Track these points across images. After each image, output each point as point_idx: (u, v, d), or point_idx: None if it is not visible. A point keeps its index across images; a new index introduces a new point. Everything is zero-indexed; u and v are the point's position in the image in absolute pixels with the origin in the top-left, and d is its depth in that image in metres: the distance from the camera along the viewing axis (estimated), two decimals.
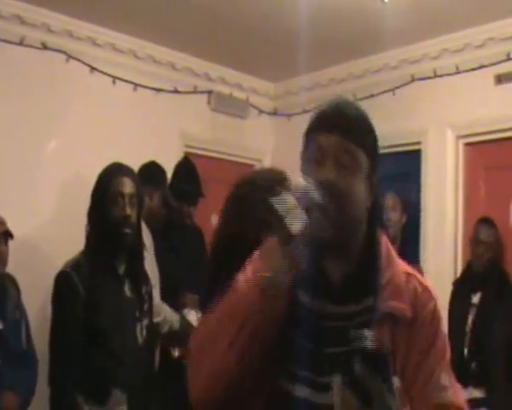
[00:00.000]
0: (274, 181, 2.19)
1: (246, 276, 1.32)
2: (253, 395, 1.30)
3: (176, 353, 3.51)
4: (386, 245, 1.43)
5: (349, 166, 1.33)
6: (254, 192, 2.13)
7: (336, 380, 1.10)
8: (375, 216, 1.44)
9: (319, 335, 1.24)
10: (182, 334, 3.47)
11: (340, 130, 1.34)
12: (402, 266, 1.41)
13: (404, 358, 1.29)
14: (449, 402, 1.26)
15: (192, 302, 3.66)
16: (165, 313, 3.43)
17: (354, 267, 1.37)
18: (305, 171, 1.38)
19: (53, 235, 4.19)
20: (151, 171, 3.88)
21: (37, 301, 3.82)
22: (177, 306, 3.58)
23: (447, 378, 1.28)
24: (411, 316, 1.31)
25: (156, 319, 3.24)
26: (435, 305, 1.35)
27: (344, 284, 1.36)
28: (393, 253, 1.43)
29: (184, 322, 3.54)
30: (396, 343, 1.29)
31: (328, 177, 1.31)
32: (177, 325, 3.51)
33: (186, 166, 4.25)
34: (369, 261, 1.37)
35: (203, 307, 2.42)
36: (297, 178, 1.31)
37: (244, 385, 1.27)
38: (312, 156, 1.37)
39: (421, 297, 1.34)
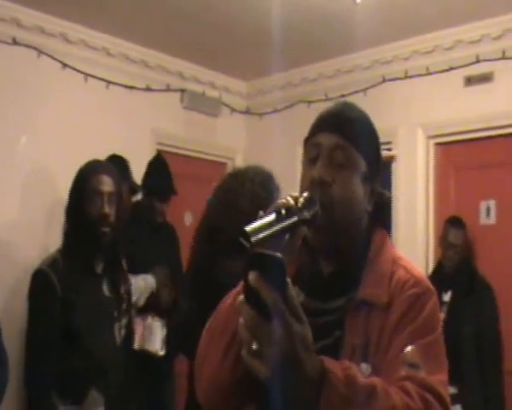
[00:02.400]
0: (264, 176, 2.24)
1: (237, 288, 1.32)
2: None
3: (161, 352, 3.51)
4: (382, 239, 1.42)
5: (343, 164, 1.34)
6: (244, 184, 2.17)
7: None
8: (376, 220, 1.44)
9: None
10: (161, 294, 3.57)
11: (337, 129, 1.36)
12: (392, 255, 1.40)
13: (377, 343, 1.26)
14: (416, 379, 1.17)
15: (159, 275, 3.67)
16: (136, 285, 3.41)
17: (344, 265, 1.38)
18: (303, 174, 1.39)
19: (19, 231, 4.14)
20: (114, 164, 3.74)
21: (1, 300, 3.82)
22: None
23: (421, 359, 1.21)
24: (387, 301, 1.29)
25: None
26: (421, 292, 1.31)
27: (330, 280, 1.38)
28: (387, 244, 1.42)
29: (159, 279, 3.59)
30: (370, 330, 1.28)
31: (318, 173, 1.32)
32: (153, 285, 3.56)
33: (158, 163, 4.26)
34: (359, 258, 1.37)
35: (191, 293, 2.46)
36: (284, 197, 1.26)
37: (240, 393, 1.31)
38: (308, 157, 1.39)
39: (404, 284, 1.31)
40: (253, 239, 1.11)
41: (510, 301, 4.01)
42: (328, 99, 4.97)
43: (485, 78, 4.35)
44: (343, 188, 1.33)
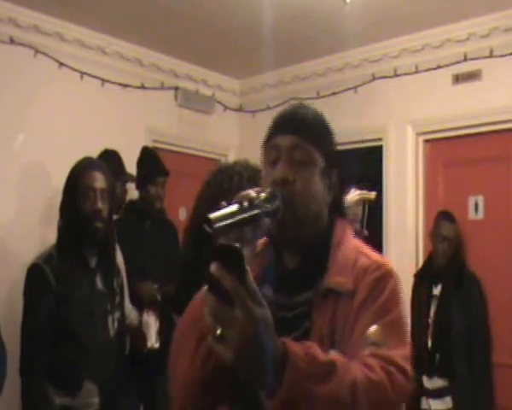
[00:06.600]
0: (252, 171, 2.26)
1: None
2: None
3: (156, 345, 3.58)
4: (343, 230, 1.46)
5: (302, 162, 1.38)
6: (232, 179, 2.19)
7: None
8: (335, 209, 1.48)
9: (278, 327, 1.11)
10: (137, 332, 3.53)
11: (293, 129, 1.40)
12: (354, 243, 1.44)
13: (343, 329, 1.29)
14: (379, 354, 1.21)
15: (149, 294, 3.69)
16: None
17: (308, 257, 1.41)
18: (265, 176, 1.43)
19: (17, 228, 4.19)
20: (106, 158, 3.82)
21: (1, 294, 3.88)
22: (137, 300, 3.60)
23: (383, 337, 1.25)
24: (352, 289, 1.32)
25: None
26: (382, 275, 1.34)
27: (296, 274, 1.41)
28: (348, 234, 1.46)
29: (140, 322, 3.57)
30: (337, 318, 1.30)
31: (280, 173, 1.36)
32: (136, 322, 3.51)
33: (145, 153, 4.29)
34: (322, 250, 1.40)
35: (177, 293, 2.50)
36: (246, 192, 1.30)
37: (212, 391, 1.32)
38: (268, 159, 1.43)
39: (366, 269, 1.34)
40: (216, 226, 1.16)
41: (497, 295, 4.06)
42: (319, 97, 5.04)
43: (473, 76, 4.41)
44: (304, 185, 1.37)
